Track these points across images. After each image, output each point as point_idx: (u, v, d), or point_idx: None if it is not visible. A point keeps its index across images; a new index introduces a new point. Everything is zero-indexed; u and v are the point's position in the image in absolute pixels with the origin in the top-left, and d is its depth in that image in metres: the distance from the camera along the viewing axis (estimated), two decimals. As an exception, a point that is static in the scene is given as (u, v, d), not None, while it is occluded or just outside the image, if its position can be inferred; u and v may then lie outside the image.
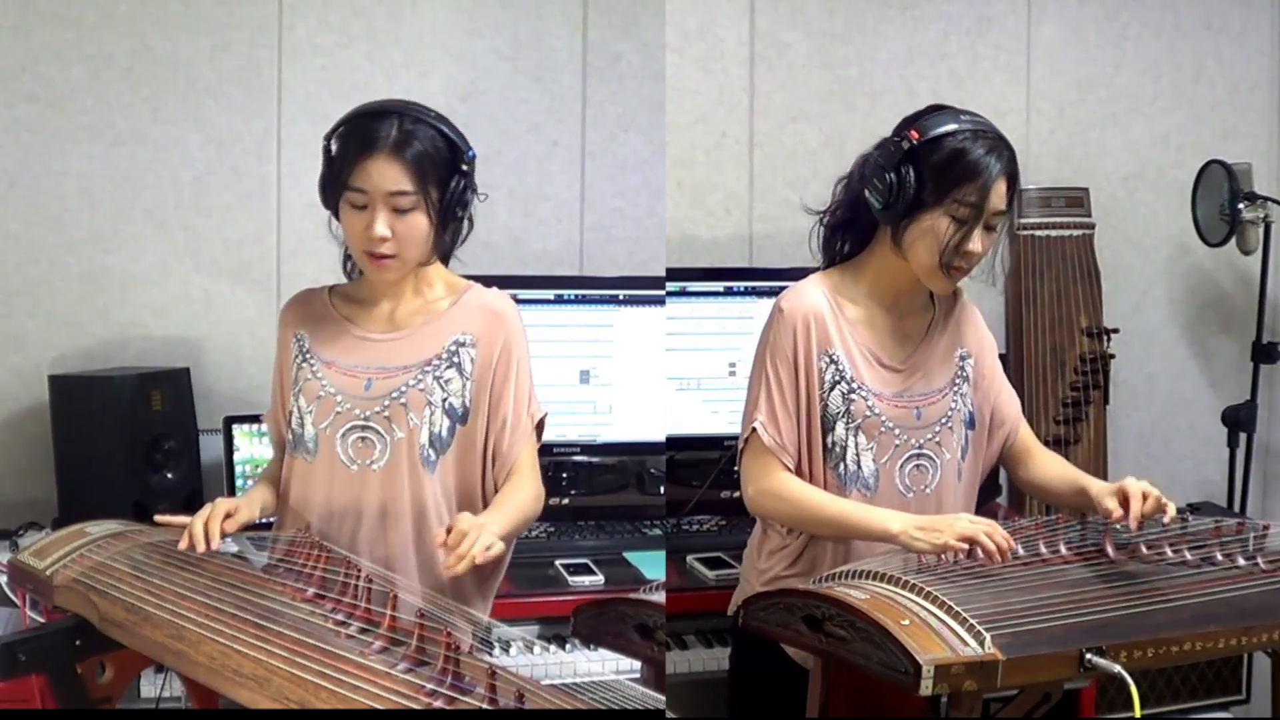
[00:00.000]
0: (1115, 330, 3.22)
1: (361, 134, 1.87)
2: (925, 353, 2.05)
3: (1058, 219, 3.23)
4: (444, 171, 1.91)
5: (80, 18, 2.85)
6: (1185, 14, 3.36)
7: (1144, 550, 1.87)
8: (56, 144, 2.86)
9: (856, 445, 1.98)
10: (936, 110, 1.96)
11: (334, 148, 1.91)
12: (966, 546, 1.79)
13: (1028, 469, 2.15)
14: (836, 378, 1.98)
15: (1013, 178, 1.93)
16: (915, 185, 1.90)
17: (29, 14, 2.83)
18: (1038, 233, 3.22)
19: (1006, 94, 3.26)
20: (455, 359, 1.98)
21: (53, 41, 2.84)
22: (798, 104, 3.12)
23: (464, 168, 1.94)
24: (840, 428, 1.98)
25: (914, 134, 1.91)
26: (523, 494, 1.97)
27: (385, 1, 3.04)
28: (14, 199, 2.85)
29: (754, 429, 1.98)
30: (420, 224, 1.89)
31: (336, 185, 1.89)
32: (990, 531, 1.80)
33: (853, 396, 1.98)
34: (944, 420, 2.03)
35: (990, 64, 3.25)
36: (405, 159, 1.86)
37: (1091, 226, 3.25)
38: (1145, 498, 1.83)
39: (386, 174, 1.86)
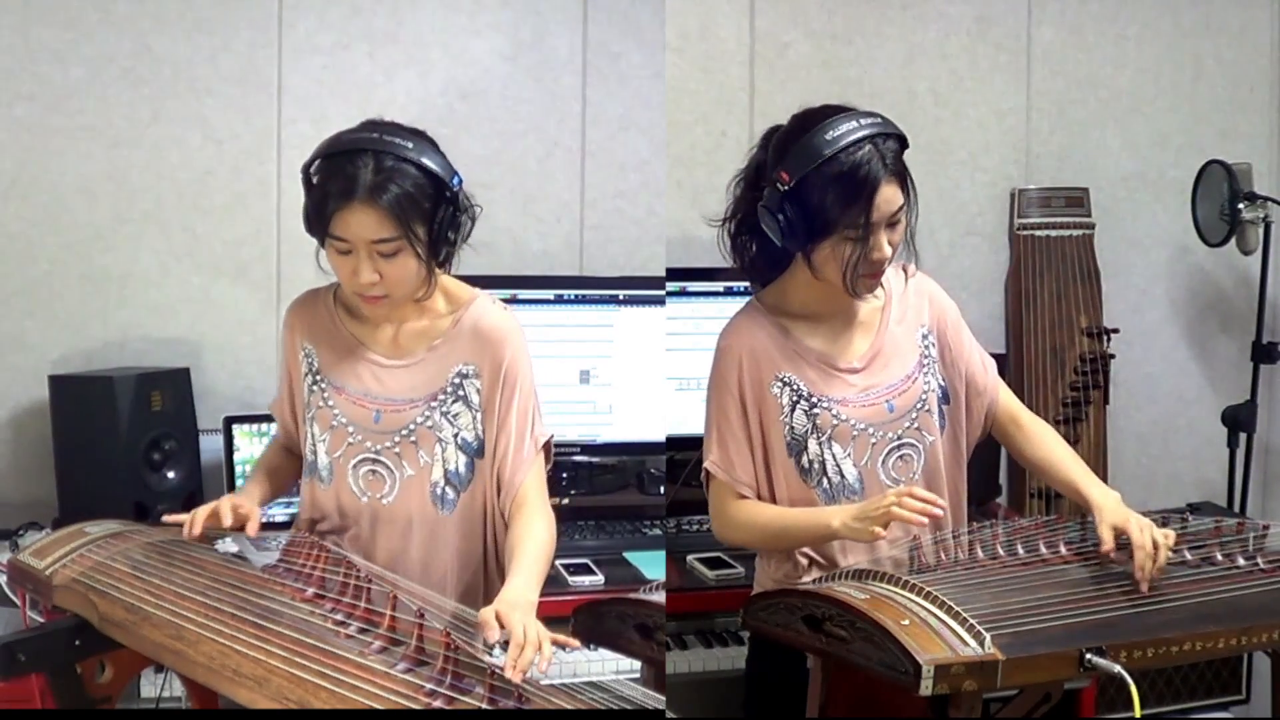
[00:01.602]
0: (1115, 330, 3.22)
1: (338, 178, 1.79)
2: (882, 343, 2.01)
3: (1058, 219, 3.23)
4: (429, 207, 1.84)
5: (80, 18, 2.85)
6: (1185, 14, 3.36)
7: (1144, 550, 1.86)
8: (56, 144, 2.86)
9: (834, 456, 1.96)
10: (803, 132, 1.86)
11: (314, 182, 1.84)
12: (885, 535, 1.78)
13: (1018, 442, 2.08)
14: (795, 398, 1.96)
15: (900, 173, 1.86)
16: (804, 220, 1.85)
17: (29, 14, 2.83)
18: (1038, 233, 3.22)
19: (1006, 94, 3.26)
20: (461, 392, 1.96)
21: (53, 41, 2.84)
22: (798, 104, 3.09)
23: (448, 194, 1.86)
24: (813, 444, 1.96)
25: (785, 176, 1.84)
26: (538, 537, 1.90)
27: (385, 1, 3.04)
28: (14, 199, 2.85)
29: (707, 469, 1.98)
30: (408, 265, 1.84)
31: (320, 228, 1.83)
32: (905, 501, 1.76)
33: (816, 411, 1.96)
34: (919, 405, 2.00)
35: (990, 64, 3.25)
36: (383, 206, 1.78)
37: (1091, 226, 3.25)
38: (1152, 544, 1.76)
39: (366, 223, 1.79)
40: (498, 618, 1.62)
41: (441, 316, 1.99)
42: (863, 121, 1.85)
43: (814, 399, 1.96)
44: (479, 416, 1.96)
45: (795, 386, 1.96)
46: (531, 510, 1.94)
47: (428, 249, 1.86)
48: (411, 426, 1.95)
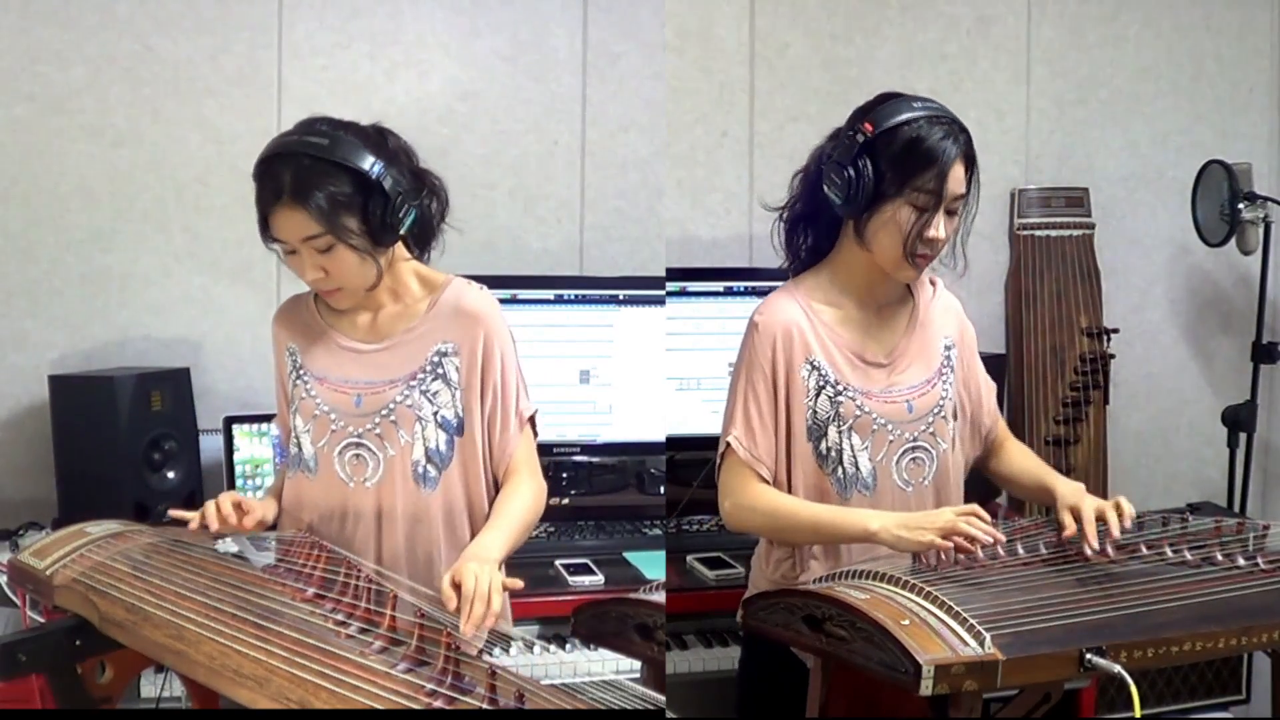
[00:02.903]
0: (1115, 330, 3.22)
1: (265, 183, 1.85)
2: (908, 344, 2.04)
3: (1058, 219, 3.23)
4: (356, 199, 1.86)
5: (80, 18, 2.85)
6: (1185, 14, 3.36)
7: (1144, 550, 1.87)
8: (56, 144, 2.86)
9: (851, 446, 1.97)
10: (889, 99, 1.95)
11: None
12: (950, 545, 1.79)
13: (998, 461, 2.16)
14: (821, 383, 1.97)
15: (970, 160, 1.92)
16: (874, 177, 1.89)
17: (29, 14, 2.83)
18: (1038, 233, 3.23)
19: (1006, 94, 3.26)
20: (440, 370, 1.97)
21: (53, 41, 2.84)
22: (798, 104, 3.12)
23: (380, 182, 1.86)
24: (833, 432, 1.97)
25: (868, 126, 1.90)
26: (521, 499, 1.97)
27: (385, 1, 3.04)
28: (14, 199, 2.85)
29: (729, 443, 1.97)
30: (346, 258, 1.88)
31: (264, 233, 1.91)
32: (971, 519, 1.80)
33: (840, 399, 1.97)
34: (936, 411, 2.02)
35: (990, 64, 3.25)
36: (306, 206, 1.82)
37: (1091, 226, 3.25)
38: (1101, 516, 1.86)
39: (294, 224, 1.84)
40: (453, 580, 1.70)
41: (418, 300, 2.01)
42: (945, 111, 1.94)
43: (840, 386, 1.97)
44: (459, 394, 1.98)
45: (823, 372, 1.97)
46: (520, 478, 2.00)
47: (367, 240, 1.88)
48: (391, 406, 1.96)
